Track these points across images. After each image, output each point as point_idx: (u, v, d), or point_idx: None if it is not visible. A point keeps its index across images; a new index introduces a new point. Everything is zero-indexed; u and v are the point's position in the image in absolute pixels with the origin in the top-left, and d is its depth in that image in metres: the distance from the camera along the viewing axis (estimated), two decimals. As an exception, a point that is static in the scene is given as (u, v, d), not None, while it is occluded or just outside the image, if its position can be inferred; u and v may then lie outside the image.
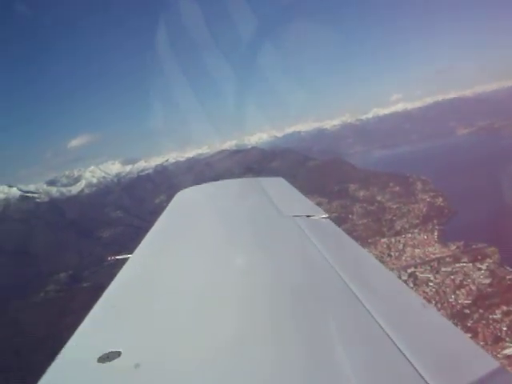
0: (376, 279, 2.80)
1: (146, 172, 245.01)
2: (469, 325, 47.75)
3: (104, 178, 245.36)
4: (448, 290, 55.94)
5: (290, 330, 2.16)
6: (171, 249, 4.32)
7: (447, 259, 63.97)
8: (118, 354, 2.11)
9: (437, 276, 59.60)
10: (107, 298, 3.13)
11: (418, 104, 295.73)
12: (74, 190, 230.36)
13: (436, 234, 75.53)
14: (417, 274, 61.31)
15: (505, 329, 45.27)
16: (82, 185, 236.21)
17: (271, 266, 3.24)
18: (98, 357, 2.11)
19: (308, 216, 4.43)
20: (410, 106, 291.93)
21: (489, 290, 54.18)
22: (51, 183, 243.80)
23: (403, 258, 68.75)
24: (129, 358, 2.06)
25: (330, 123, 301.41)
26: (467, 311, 50.99)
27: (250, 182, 7.28)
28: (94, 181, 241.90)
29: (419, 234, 76.66)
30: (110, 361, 2.06)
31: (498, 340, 44.23)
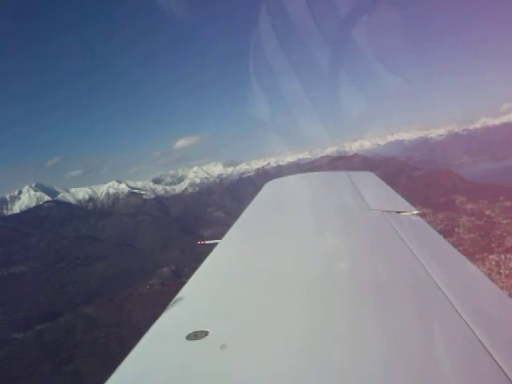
0: (468, 281, 2.71)
1: (248, 174, 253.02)
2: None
3: (206, 178, 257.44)
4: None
5: (376, 327, 2.11)
6: (258, 236, 4.51)
7: None
8: (206, 333, 2.21)
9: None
10: (196, 279, 3.38)
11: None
12: (178, 188, 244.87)
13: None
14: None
15: None
16: (185, 184, 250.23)
17: (357, 260, 3.28)
18: (186, 334, 2.25)
19: (398, 212, 4.32)
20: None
21: None
22: (157, 181, 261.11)
23: (515, 276, 65.85)
24: (215, 338, 2.15)
25: (436, 132, 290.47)
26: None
27: (339, 174, 7.19)
28: (197, 181, 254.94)
29: (533, 251, 72.36)
30: (197, 339, 2.17)
31: None
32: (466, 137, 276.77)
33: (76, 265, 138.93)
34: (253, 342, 2.08)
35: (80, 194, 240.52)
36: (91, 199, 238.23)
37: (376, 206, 4.62)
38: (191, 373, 1.98)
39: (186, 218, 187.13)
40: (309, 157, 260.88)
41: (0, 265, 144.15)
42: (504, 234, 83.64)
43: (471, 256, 71.51)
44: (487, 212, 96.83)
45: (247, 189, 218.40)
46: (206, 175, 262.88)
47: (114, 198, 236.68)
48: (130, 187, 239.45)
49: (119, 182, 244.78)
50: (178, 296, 3.02)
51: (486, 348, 1.80)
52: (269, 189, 6.88)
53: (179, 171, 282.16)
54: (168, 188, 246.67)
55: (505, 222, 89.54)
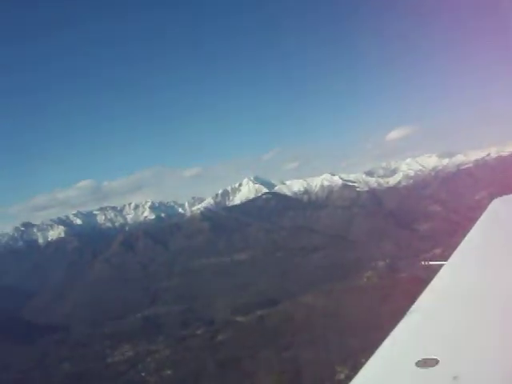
0: None
1: (466, 166, 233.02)
2: None
3: (421, 170, 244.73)
4: None
5: None
6: (488, 259, 4.17)
7: None
8: (436, 361, 2.07)
9: None
10: (422, 303, 3.20)
11: None
12: (392, 181, 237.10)
13: None
14: None
15: None
16: (399, 176, 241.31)
17: None
18: (415, 361, 2.13)
19: None
20: None
21: None
22: (369, 174, 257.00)
23: None
24: (447, 367, 2.01)
25: None
26: None
27: None
28: (411, 173, 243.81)
29: None
30: (427, 367, 2.04)
31: None
32: None
33: (293, 255, 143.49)
34: (488, 376, 1.94)
35: (295, 186, 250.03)
36: (306, 191, 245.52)
37: None
38: None
39: (400, 211, 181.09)
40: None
41: (224, 252, 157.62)
42: None
43: None
44: None
45: (465, 181, 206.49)
46: (419, 167, 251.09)
47: (328, 191, 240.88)
48: (343, 180, 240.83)
49: (333, 174, 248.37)
50: (405, 318, 3.04)
51: None
52: (497, 206, 6.25)
53: (391, 163, 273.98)
54: (381, 180, 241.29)
55: None
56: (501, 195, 7.01)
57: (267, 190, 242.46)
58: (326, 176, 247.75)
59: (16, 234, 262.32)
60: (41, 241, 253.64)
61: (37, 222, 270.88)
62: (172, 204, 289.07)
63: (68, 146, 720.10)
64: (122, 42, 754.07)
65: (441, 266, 4.23)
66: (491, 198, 7.12)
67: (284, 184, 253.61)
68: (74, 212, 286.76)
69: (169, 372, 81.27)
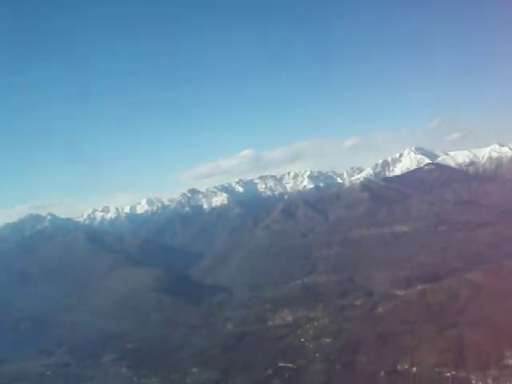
0: None
1: None
2: None
3: None
4: None
5: None
6: None
7: None
8: None
9: None
10: None
11: None
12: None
13: None
14: None
15: None
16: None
17: None
18: None
19: None
20: None
21: None
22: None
23: None
24: None
25: None
26: None
27: None
28: None
29: None
30: None
31: None
32: None
33: (457, 229, 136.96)
34: None
35: (460, 157, 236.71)
36: (472, 163, 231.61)
37: None
38: None
39: None
40: None
41: (384, 223, 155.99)
42: None
43: None
44: None
45: None
46: None
47: (497, 163, 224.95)
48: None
49: (502, 145, 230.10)
50: None
51: None
52: None
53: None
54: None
55: None
56: None
57: (429, 161, 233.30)
58: (495, 147, 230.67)
59: (183, 200, 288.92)
60: (205, 206, 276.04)
61: (202, 188, 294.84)
62: (330, 174, 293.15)
63: (231, 116, 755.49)
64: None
65: None
66: None
67: (447, 155, 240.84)
68: (236, 180, 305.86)
69: (327, 340, 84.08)
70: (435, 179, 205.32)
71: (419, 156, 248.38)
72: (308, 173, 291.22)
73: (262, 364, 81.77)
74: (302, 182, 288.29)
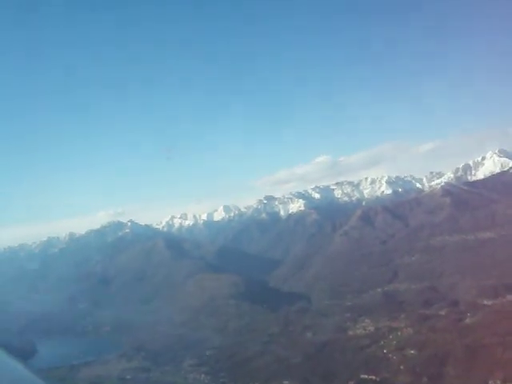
0: None
1: None
2: None
3: None
4: None
5: None
6: None
7: None
8: None
9: None
10: None
11: None
12: None
13: None
14: None
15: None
16: None
17: None
18: None
19: None
20: None
21: None
22: None
23: None
24: None
25: None
26: None
27: None
28: None
29: None
30: None
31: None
32: None
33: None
34: None
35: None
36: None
37: None
38: None
39: None
40: None
41: (468, 229, 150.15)
42: None
43: None
44: None
45: None
46: None
47: None
48: None
49: None
50: None
51: None
52: None
53: None
54: None
55: None
56: None
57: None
58: None
59: (260, 207, 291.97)
60: (282, 213, 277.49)
61: (278, 195, 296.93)
62: (409, 179, 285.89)
63: (308, 125, 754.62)
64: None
65: None
66: None
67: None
68: (312, 186, 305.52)
69: (412, 351, 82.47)
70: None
71: (503, 159, 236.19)
72: (386, 178, 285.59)
73: (343, 375, 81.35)
74: (379, 187, 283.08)
